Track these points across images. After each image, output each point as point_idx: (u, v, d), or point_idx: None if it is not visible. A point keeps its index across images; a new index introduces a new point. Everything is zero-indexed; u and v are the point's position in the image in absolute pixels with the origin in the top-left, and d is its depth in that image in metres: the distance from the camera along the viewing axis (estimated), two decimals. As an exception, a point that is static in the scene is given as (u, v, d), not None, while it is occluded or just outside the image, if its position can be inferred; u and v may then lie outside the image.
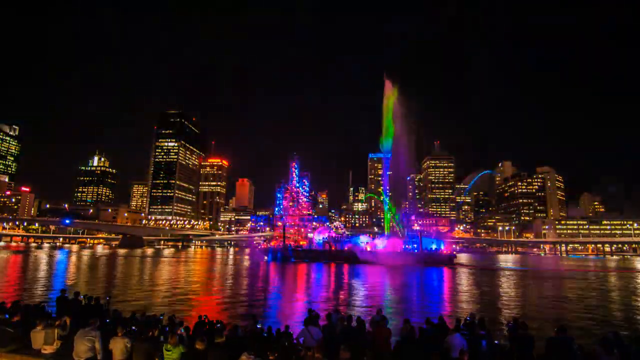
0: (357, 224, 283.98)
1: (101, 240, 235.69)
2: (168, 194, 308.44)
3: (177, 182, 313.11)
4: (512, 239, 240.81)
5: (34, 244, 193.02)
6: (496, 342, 9.91)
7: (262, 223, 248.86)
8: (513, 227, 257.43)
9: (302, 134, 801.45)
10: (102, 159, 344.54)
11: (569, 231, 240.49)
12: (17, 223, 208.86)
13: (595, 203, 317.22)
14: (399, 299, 34.60)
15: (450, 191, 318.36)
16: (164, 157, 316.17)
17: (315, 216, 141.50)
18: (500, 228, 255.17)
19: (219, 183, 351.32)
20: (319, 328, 9.90)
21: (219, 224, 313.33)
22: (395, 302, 32.76)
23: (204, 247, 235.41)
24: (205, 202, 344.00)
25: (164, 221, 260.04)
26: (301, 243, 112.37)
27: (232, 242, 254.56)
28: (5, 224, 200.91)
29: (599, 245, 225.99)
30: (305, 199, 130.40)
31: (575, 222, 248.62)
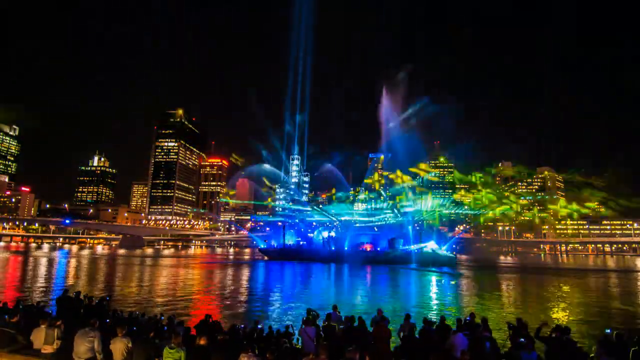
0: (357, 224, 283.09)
1: (101, 241, 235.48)
2: (168, 194, 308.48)
3: (177, 182, 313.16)
4: (512, 239, 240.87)
5: (34, 244, 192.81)
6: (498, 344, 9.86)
7: (262, 223, 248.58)
8: (513, 227, 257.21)
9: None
10: (102, 159, 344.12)
11: (569, 231, 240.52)
12: (17, 223, 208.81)
13: (596, 203, 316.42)
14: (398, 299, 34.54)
15: (450, 191, 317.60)
16: (164, 157, 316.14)
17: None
18: (500, 228, 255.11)
19: (219, 183, 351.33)
20: (315, 328, 9.86)
21: (219, 224, 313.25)
22: (393, 302, 32.70)
23: (204, 247, 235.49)
24: (205, 202, 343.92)
25: (164, 221, 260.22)
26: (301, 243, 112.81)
27: (232, 242, 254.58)
28: (5, 224, 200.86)
29: (599, 245, 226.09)
30: (305, 199, 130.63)
31: (575, 222, 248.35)
